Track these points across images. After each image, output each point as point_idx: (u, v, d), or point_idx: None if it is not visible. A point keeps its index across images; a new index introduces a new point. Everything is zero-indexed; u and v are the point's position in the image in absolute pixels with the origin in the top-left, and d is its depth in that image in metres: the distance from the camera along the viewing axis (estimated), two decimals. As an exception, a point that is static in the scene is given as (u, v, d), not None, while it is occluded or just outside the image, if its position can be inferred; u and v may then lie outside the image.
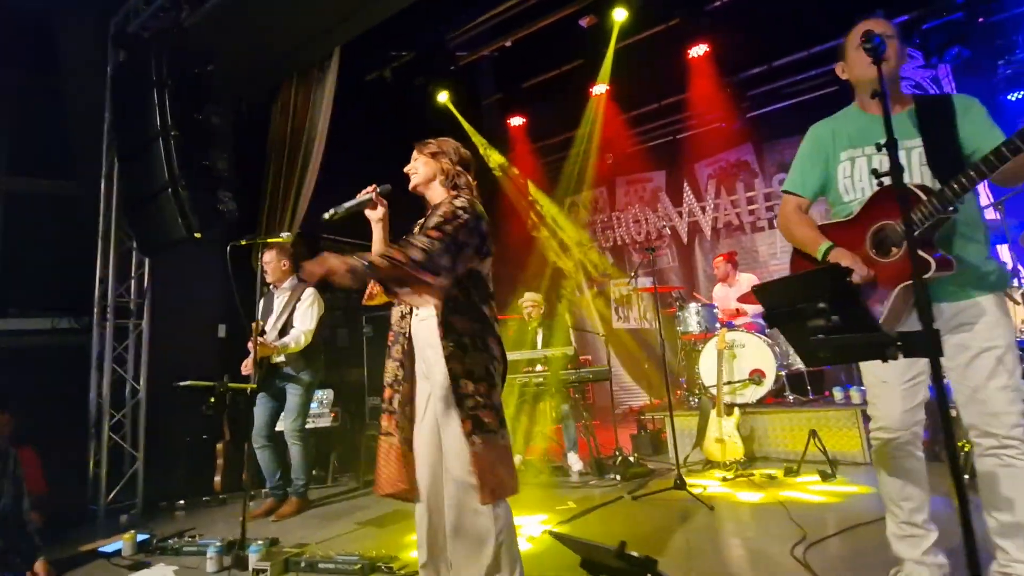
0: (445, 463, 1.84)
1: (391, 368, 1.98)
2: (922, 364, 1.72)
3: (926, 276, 1.55)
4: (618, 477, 3.89)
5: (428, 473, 1.90)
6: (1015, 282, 3.58)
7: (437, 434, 1.87)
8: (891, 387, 1.73)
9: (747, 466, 3.87)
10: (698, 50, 5.83)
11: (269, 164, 5.16)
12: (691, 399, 4.93)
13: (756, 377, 4.31)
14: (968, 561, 1.12)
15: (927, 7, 5.34)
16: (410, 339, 1.97)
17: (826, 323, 1.31)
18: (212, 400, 2.84)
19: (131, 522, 3.75)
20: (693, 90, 6.34)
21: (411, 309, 1.98)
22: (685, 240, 7.55)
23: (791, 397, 4.36)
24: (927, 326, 1.19)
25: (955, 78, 5.84)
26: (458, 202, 1.88)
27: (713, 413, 4.05)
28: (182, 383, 2.87)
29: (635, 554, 1.39)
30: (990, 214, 4.06)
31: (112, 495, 4.07)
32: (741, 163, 7.17)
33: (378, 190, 2.02)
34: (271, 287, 3.91)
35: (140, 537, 2.98)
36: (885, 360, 1.25)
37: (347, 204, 1.97)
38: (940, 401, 1.20)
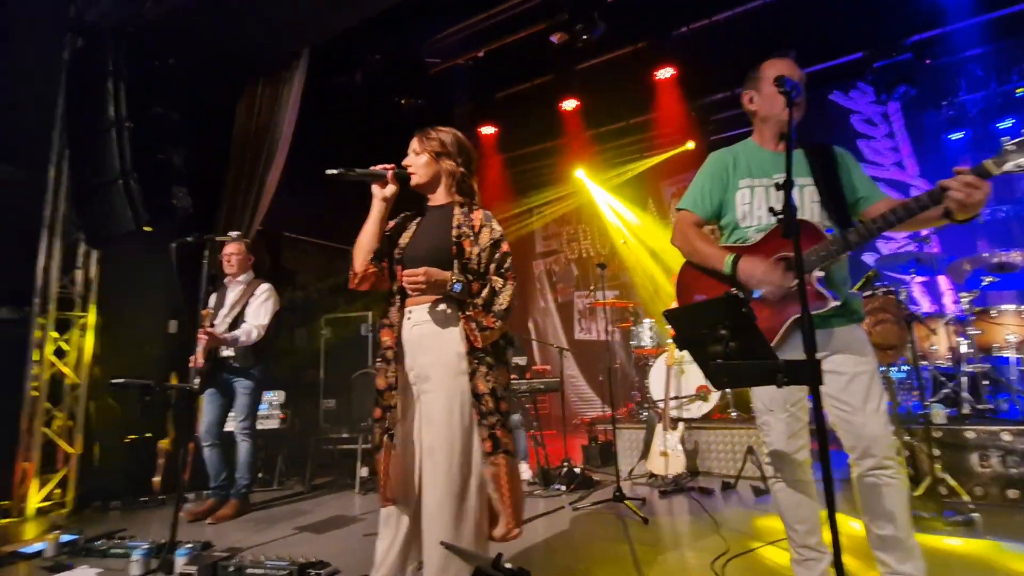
0: (454, 471, 1.76)
1: (395, 370, 1.90)
2: (801, 391, 1.81)
3: (822, 311, 1.67)
4: (563, 487, 3.95)
5: (439, 484, 1.77)
6: (939, 312, 3.79)
7: (445, 443, 1.77)
8: (776, 415, 1.82)
9: (689, 480, 3.98)
10: (664, 73, 6.00)
11: (231, 162, 5.09)
12: (641, 412, 5.04)
13: (702, 393, 4.44)
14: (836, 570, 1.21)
15: (878, 46, 5.62)
16: (402, 341, 1.91)
17: (725, 349, 1.39)
18: (148, 399, 2.78)
19: (60, 522, 3.63)
20: (659, 111, 6.51)
21: (402, 309, 1.92)
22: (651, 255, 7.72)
23: (734, 414, 4.50)
24: (810, 356, 1.28)
25: (904, 115, 6.16)
26: (501, 233, 1.97)
27: (659, 427, 4.15)
28: (115, 381, 2.80)
29: (509, 566, 1.44)
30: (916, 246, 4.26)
31: (44, 494, 3.93)
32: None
33: (396, 170, 1.98)
34: (225, 281, 3.87)
35: (65, 538, 2.89)
36: (780, 386, 1.34)
37: (358, 170, 1.93)
38: (819, 426, 1.29)
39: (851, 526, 2.56)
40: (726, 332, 1.38)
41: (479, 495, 1.78)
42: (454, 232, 1.93)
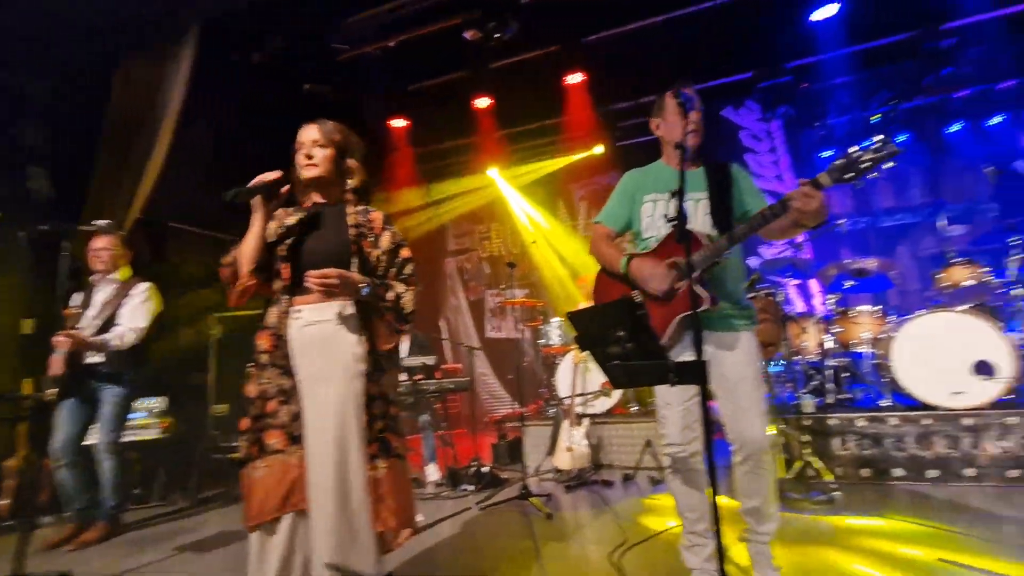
0: (340, 489, 1.66)
1: (271, 376, 1.78)
2: (695, 388, 1.98)
3: (699, 310, 1.83)
4: (471, 488, 3.93)
5: (328, 492, 1.66)
6: (809, 312, 4.23)
7: (331, 455, 1.67)
8: (673, 408, 1.99)
9: (593, 473, 4.12)
10: (575, 78, 6.17)
11: (104, 142, 4.53)
12: (549, 409, 5.15)
13: (606, 389, 4.62)
14: (718, 557, 1.29)
15: (764, 68, 6.15)
16: (287, 342, 1.79)
17: (622, 350, 1.44)
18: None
19: None
20: (570, 114, 6.69)
21: (289, 309, 1.81)
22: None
23: (634, 409, 4.73)
24: (698, 357, 1.36)
25: (785, 132, 6.80)
26: (401, 237, 1.92)
27: (565, 423, 4.26)
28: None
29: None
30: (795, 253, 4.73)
31: None
32: (610, 188, 7.66)
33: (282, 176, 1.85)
34: (93, 278, 3.43)
35: None
36: (672, 385, 1.41)
37: (250, 186, 1.78)
38: (705, 421, 1.37)
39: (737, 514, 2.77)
40: (624, 334, 1.42)
41: (370, 502, 1.71)
42: (351, 232, 1.85)
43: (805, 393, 3.83)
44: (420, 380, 4.23)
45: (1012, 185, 5.45)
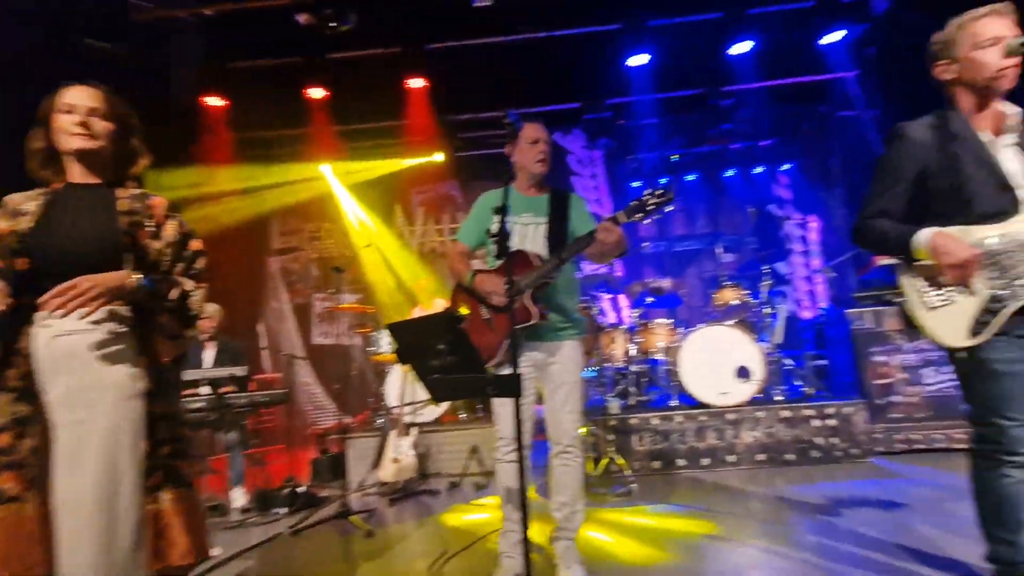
0: (101, 537, 1.34)
1: (4, 402, 1.41)
2: (530, 390, 2.28)
3: (529, 323, 2.10)
4: (284, 510, 3.60)
5: (86, 546, 1.34)
6: (618, 324, 4.75)
7: (92, 496, 1.35)
8: (507, 407, 2.20)
9: (419, 483, 4.07)
10: (416, 83, 6.12)
11: None
12: (377, 419, 4.98)
13: (436, 397, 4.61)
14: (524, 552, 1.35)
15: (589, 101, 6.79)
16: (29, 358, 1.43)
17: (443, 363, 1.43)
18: None
19: None
20: (411, 118, 6.60)
21: (32, 316, 1.44)
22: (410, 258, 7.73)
23: (463, 415, 4.80)
24: (514, 371, 1.41)
25: (604, 161, 7.58)
26: (190, 228, 1.68)
27: (393, 433, 4.15)
28: None
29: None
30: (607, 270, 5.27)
31: None
32: (449, 196, 7.78)
33: None
34: None
35: None
36: (490, 398, 1.44)
37: None
38: (516, 427, 1.43)
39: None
40: (445, 347, 1.42)
41: (147, 541, 1.44)
42: (124, 220, 1.54)
43: (612, 396, 4.28)
44: (228, 393, 3.75)
45: (767, 224, 6.78)
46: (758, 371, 3.98)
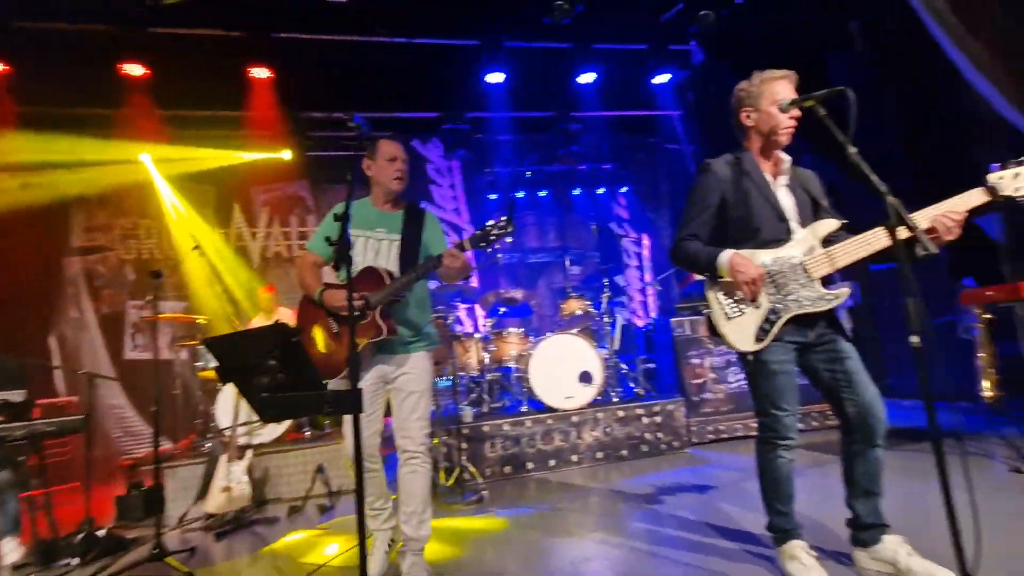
0: None
1: None
2: (379, 401, 2.37)
3: (379, 339, 2.17)
4: (76, 560, 3.01)
5: None
6: (473, 333, 4.84)
7: None
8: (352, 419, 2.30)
9: (254, 512, 3.69)
10: (261, 72, 5.63)
11: None
12: (205, 444, 4.42)
13: (277, 415, 4.24)
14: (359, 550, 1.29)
15: (449, 112, 6.85)
16: None
17: (273, 380, 1.32)
18: None
19: None
20: (254, 110, 6.05)
21: None
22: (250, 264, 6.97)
23: (308, 433, 4.48)
24: (354, 386, 1.35)
25: (462, 172, 7.69)
26: None
27: (223, 459, 3.71)
28: None
29: None
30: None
31: None
32: (297, 197, 7.26)
33: None
34: None
35: None
36: (327, 416, 1.36)
37: None
38: (356, 445, 1.37)
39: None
40: (276, 363, 1.31)
41: None
42: None
43: (466, 404, 4.32)
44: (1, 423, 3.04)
45: (608, 240, 7.42)
46: (598, 376, 4.32)
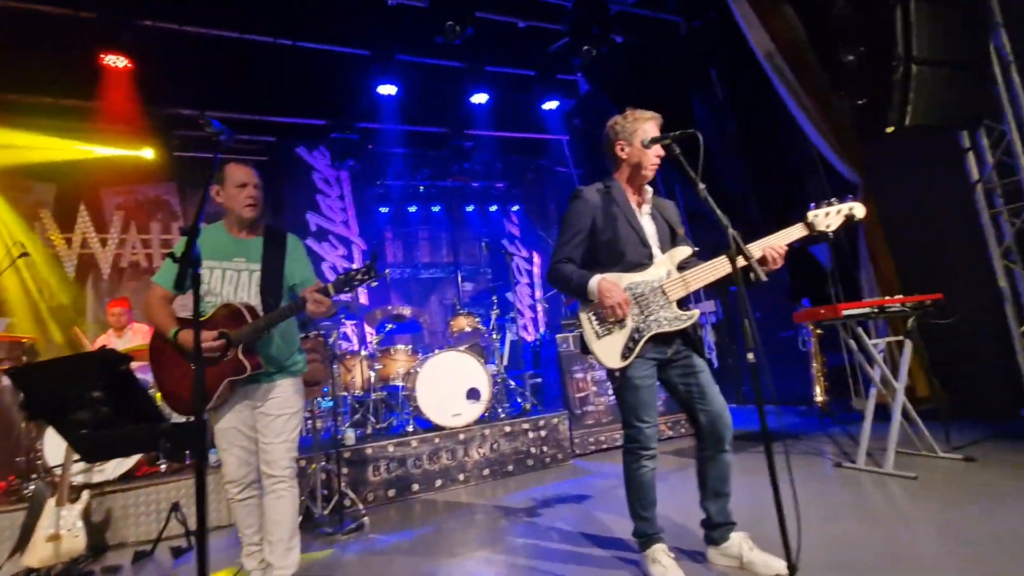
0: None
1: None
2: (247, 432, 2.29)
3: (244, 375, 2.12)
4: None
5: None
6: (359, 350, 4.65)
7: None
8: (230, 451, 2.27)
9: (90, 562, 3.20)
10: (117, 60, 5.03)
11: None
12: (27, 486, 3.76)
13: (124, 448, 3.73)
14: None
15: (337, 120, 6.61)
16: None
17: (97, 414, 1.15)
18: None
19: None
20: (106, 102, 5.38)
21: None
22: (72, 274, 6.08)
23: (163, 466, 3.99)
24: (199, 418, 1.23)
25: (352, 183, 7.43)
26: None
27: (51, 502, 3.18)
28: None
29: None
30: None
31: None
32: (161, 201, 6.56)
33: None
34: None
35: None
36: (165, 454, 1.22)
37: None
38: (198, 467, 1.24)
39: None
40: (100, 395, 1.15)
41: None
42: None
43: (348, 427, 4.12)
44: None
45: (500, 257, 7.55)
46: (486, 392, 4.34)
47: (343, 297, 5.08)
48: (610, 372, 2.18)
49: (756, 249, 2.02)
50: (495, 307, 5.04)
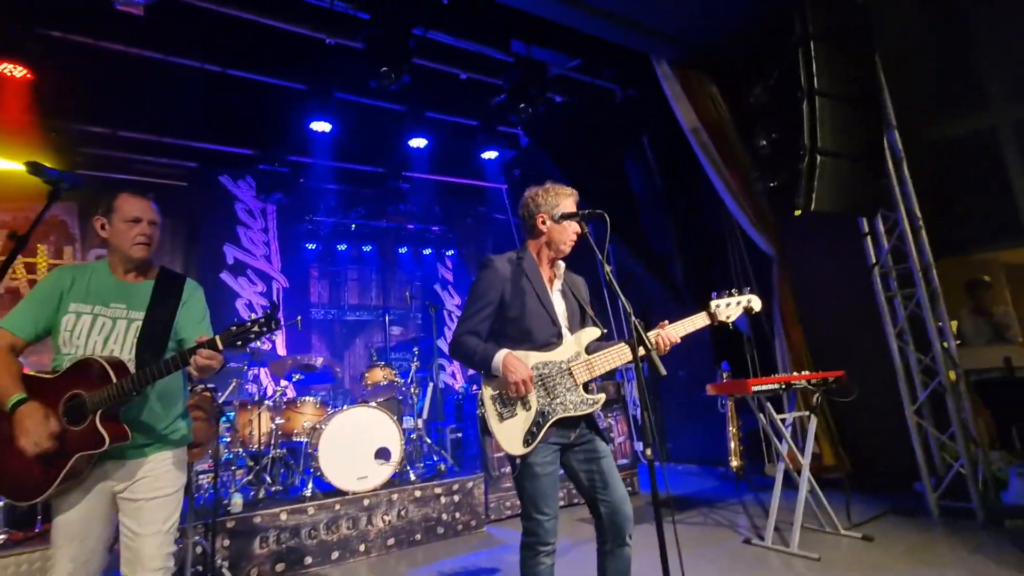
0: None
1: None
2: (102, 526, 1.84)
3: (102, 449, 1.73)
4: None
5: None
6: (261, 401, 4.28)
7: None
8: (64, 551, 1.78)
9: None
10: (13, 69, 4.60)
11: None
12: None
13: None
14: None
15: (265, 151, 6.32)
16: None
17: None
18: None
19: None
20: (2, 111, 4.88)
21: None
22: None
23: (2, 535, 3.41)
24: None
25: (278, 217, 7.09)
26: None
27: None
28: None
29: None
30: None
31: None
32: (56, 222, 5.96)
33: None
34: None
35: None
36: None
37: None
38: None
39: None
40: None
41: None
42: None
43: (236, 491, 3.72)
44: None
45: (432, 301, 7.36)
46: (397, 452, 4.07)
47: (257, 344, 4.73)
48: (511, 459, 2.04)
49: (654, 335, 1.99)
50: (415, 359, 4.82)
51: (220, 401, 4.36)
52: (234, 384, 4.00)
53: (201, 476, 4.06)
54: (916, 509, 3.90)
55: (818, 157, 3.43)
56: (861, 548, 3.25)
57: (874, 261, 4.20)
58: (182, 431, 1.99)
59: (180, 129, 5.99)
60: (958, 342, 4.25)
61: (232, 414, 4.20)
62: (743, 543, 3.47)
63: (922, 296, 3.97)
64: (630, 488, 4.97)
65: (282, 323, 1.87)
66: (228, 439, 4.20)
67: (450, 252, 8.30)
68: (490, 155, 6.92)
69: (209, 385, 3.40)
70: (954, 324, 4.46)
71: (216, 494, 3.23)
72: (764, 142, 3.89)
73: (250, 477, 3.98)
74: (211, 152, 6.36)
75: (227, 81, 5.40)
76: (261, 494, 3.86)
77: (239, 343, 1.78)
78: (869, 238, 4.22)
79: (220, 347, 1.74)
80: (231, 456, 4.21)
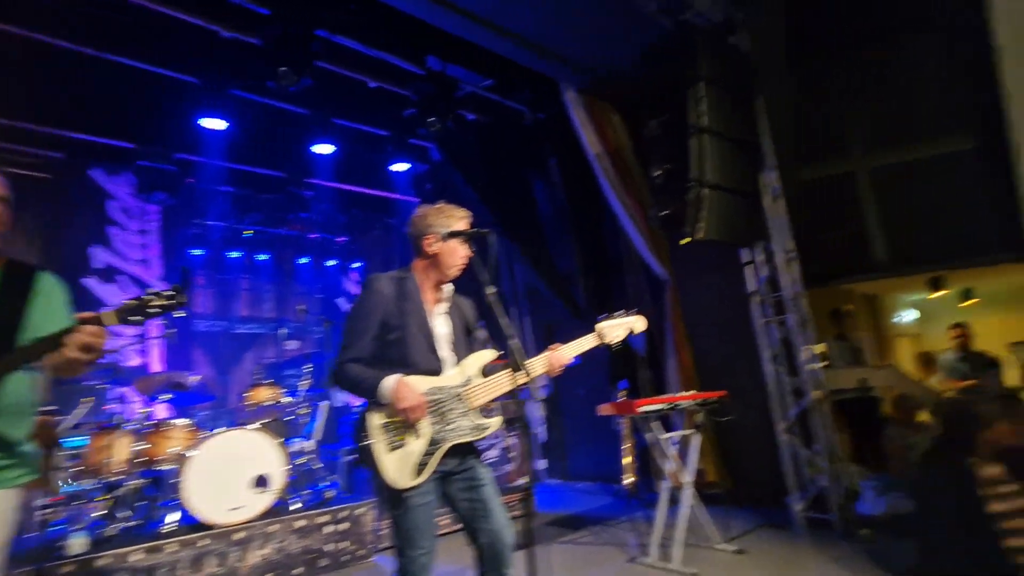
0: None
1: None
2: None
3: None
4: None
5: None
6: (122, 424, 3.80)
7: None
8: None
9: None
10: None
11: None
12: None
13: None
14: None
15: (148, 146, 5.73)
16: None
17: None
18: None
19: None
20: None
21: None
22: None
23: None
24: None
25: (161, 219, 6.45)
26: None
27: None
28: None
29: None
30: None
31: None
32: None
33: None
34: None
35: None
36: None
37: None
38: None
39: None
40: None
41: None
42: None
43: (79, 529, 3.24)
44: None
45: (331, 316, 7.01)
46: (278, 479, 3.76)
47: (113, 342, 4.20)
48: (390, 492, 1.91)
49: (539, 362, 1.97)
50: (306, 376, 4.51)
51: (70, 425, 3.85)
52: (87, 404, 3.50)
53: (37, 513, 3.50)
54: (785, 522, 4.20)
55: (704, 189, 3.66)
56: (735, 562, 3.43)
57: (753, 289, 4.53)
58: (27, 460, 1.64)
59: (44, 115, 5.31)
60: (825, 363, 4.69)
61: (82, 440, 3.68)
62: (628, 562, 3.54)
63: (792, 323, 4.34)
64: (526, 510, 4.96)
65: (188, 300, 1.57)
66: (75, 469, 3.67)
67: (356, 264, 7.98)
68: (401, 167, 6.76)
69: (51, 408, 2.95)
70: (821, 348, 4.92)
71: (44, 535, 2.78)
72: (659, 172, 4.10)
73: (102, 512, 3.48)
74: (81, 142, 5.68)
75: (104, 66, 4.86)
76: (115, 531, 3.39)
77: (136, 318, 1.52)
78: (749, 267, 4.56)
79: (106, 323, 1.47)
80: (78, 488, 3.68)
